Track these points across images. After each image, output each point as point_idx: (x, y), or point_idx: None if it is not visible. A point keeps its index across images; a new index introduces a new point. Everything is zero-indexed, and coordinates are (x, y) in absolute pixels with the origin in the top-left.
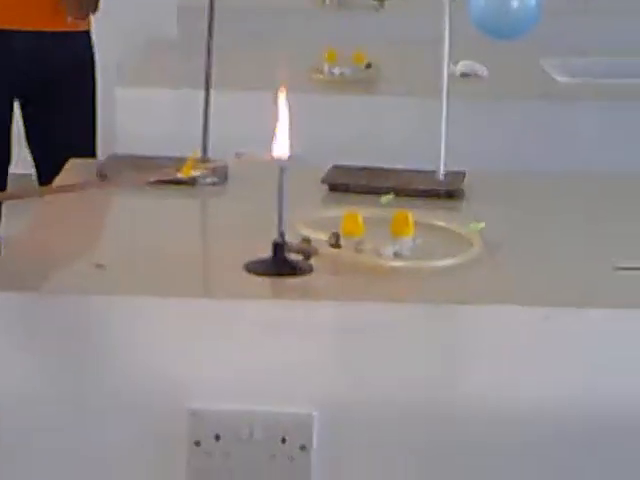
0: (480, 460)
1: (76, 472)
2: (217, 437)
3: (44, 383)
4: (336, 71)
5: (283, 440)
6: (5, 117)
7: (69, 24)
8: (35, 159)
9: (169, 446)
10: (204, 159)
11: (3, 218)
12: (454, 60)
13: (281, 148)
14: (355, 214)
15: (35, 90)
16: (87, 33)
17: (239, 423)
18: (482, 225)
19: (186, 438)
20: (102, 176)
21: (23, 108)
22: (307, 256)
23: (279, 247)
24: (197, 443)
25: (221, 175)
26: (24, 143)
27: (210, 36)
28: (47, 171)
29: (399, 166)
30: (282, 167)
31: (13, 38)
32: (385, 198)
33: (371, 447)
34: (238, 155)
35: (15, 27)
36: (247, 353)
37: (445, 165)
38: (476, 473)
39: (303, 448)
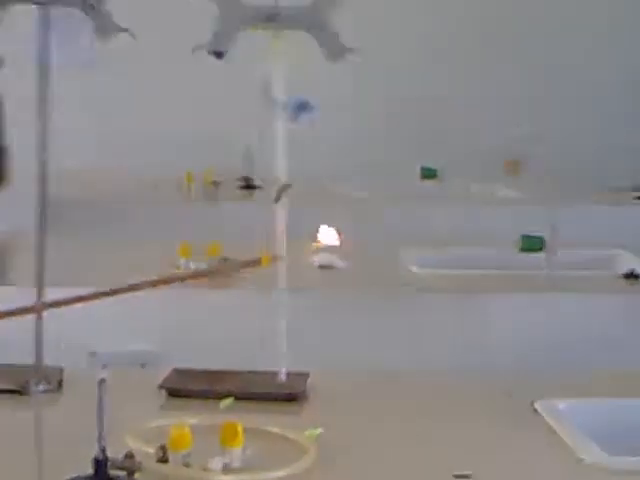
0: None
1: None
2: None
3: None
4: (192, 265)
5: None
6: None
7: None
8: None
9: None
10: (38, 365)
11: None
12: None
13: None
14: (182, 426)
15: None
16: None
17: None
18: (319, 431)
19: None
20: None
21: None
22: (131, 472)
23: (100, 463)
24: None
25: (54, 382)
26: None
27: (43, 230)
28: None
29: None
30: (100, 380)
31: None
32: (224, 403)
33: None
34: (92, 355)
35: None
36: None
37: (287, 365)
38: None
39: None
